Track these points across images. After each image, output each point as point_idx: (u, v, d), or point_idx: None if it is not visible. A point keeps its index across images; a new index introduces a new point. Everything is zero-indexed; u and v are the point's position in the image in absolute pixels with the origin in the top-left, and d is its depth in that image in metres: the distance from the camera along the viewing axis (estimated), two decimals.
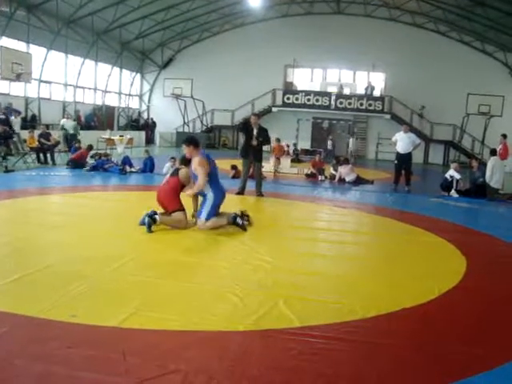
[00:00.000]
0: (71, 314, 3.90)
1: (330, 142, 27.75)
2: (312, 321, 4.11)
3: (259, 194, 11.31)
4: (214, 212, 7.34)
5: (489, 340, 4.05)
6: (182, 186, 7.48)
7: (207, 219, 7.24)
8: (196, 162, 7.20)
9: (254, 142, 11.24)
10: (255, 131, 11.23)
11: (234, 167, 14.24)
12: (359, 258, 6.52)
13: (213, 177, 7.37)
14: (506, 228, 9.39)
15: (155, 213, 7.06)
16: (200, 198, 7.57)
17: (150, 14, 26.98)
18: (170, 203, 7.35)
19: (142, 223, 7.02)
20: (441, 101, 29.10)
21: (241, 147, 12.29)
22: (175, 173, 7.62)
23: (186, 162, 7.58)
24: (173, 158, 13.55)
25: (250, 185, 11.51)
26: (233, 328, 3.91)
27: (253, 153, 11.38)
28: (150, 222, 6.92)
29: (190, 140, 7.45)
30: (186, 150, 7.42)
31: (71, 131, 20.51)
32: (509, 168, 16.49)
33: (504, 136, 16.66)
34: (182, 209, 7.33)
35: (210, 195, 7.29)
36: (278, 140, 20.50)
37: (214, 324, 3.95)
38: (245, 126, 11.72)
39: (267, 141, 11.83)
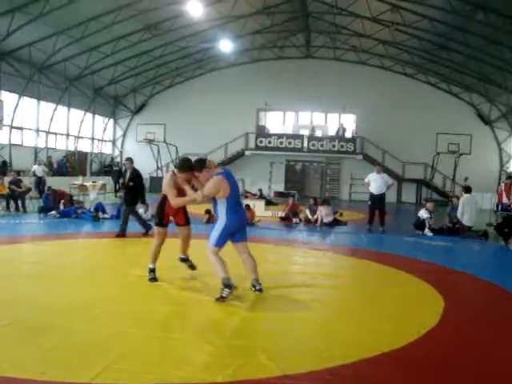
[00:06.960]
0: (40, 372, 3.74)
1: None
2: (291, 369, 4.00)
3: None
4: (225, 239, 6.37)
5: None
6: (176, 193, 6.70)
7: (215, 246, 6.30)
8: (208, 182, 6.30)
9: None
10: (127, 175, 11.36)
11: (207, 212, 14.07)
12: (336, 302, 6.46)
13: (231, 199, 6.29)
14: (480, 266, 9.51)
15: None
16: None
17: (123, 60, 27.21)
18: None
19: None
20: (411, 140, 29.71)
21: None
22: None
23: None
24: (145, 203, 13.40)
25: None
26: (211, 379, 3.79)
27: (124, 196, 11.64)
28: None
29: (195, 162, 6.53)
30: (201, 177, 6.43)
31: (40, 175, 21.68)
32: (480, 205, 16.68)
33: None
34: (161, 224, 6.99)
35: (223, 218, 6.26)
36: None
37: (191, 376, 3.82)
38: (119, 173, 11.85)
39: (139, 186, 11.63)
